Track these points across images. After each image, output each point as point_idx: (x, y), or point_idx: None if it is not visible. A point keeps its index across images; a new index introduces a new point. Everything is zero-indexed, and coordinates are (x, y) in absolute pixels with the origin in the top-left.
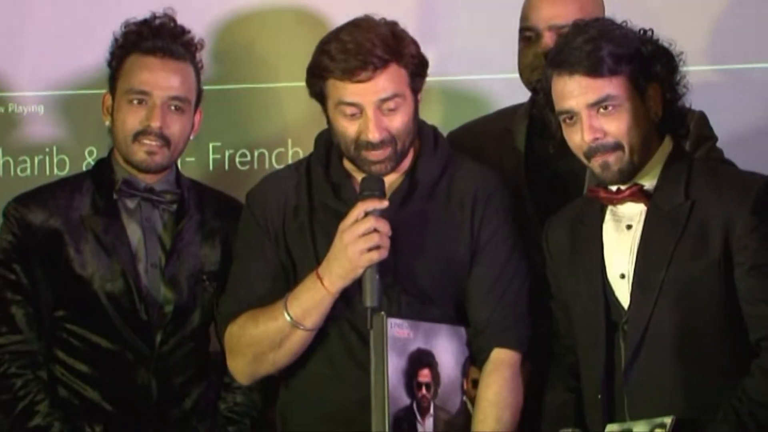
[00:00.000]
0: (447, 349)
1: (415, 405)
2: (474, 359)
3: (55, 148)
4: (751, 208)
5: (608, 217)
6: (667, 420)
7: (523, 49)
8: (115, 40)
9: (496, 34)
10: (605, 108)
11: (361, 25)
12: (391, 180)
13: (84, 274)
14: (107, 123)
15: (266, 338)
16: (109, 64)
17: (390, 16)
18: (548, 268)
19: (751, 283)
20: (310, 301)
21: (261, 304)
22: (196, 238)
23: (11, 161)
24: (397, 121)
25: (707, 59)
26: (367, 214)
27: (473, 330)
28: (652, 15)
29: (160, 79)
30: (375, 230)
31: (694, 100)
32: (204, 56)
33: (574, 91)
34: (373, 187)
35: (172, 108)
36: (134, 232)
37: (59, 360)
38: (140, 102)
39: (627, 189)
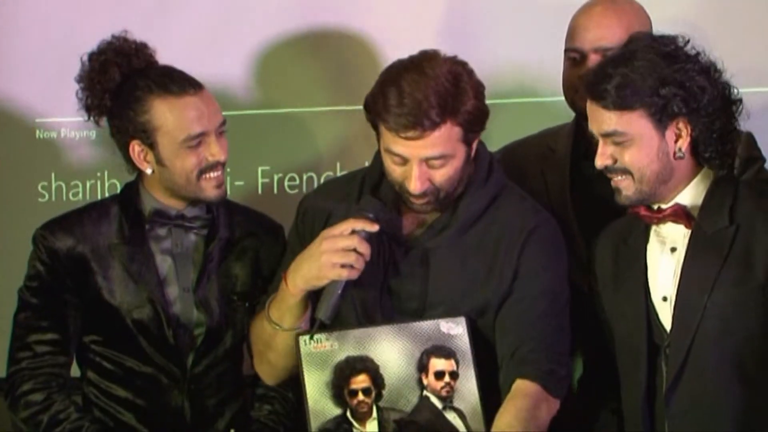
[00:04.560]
0: (392, 349)
1: (349, 412)
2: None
3: (106, 173)
4: None
5: (653, 238)
6: None
7: (568, 69)
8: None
9: (540, 57)
10: (615, 142)
11: (426, 74)
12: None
13: (112, 302)
14: (149, 171)
15: (259, 337)
16: (115, 98)
17: (434, 37)
18: (592, 288)
19: None
20: (282, 302)
21: None
22: (226, 258)
23: (63, 186)
24: (442, 175)
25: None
26: (354, 232)
27: (500, 362)
28: (707, 37)
29: (206, 113)
30: (355, 250)
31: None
32: (253, 81)
33: (591, 117)
34: (370, 209)
35: (221, 133)
36: (164, 259)
37: (93, 383)
38: (198, 144)
39: (667, 208)
